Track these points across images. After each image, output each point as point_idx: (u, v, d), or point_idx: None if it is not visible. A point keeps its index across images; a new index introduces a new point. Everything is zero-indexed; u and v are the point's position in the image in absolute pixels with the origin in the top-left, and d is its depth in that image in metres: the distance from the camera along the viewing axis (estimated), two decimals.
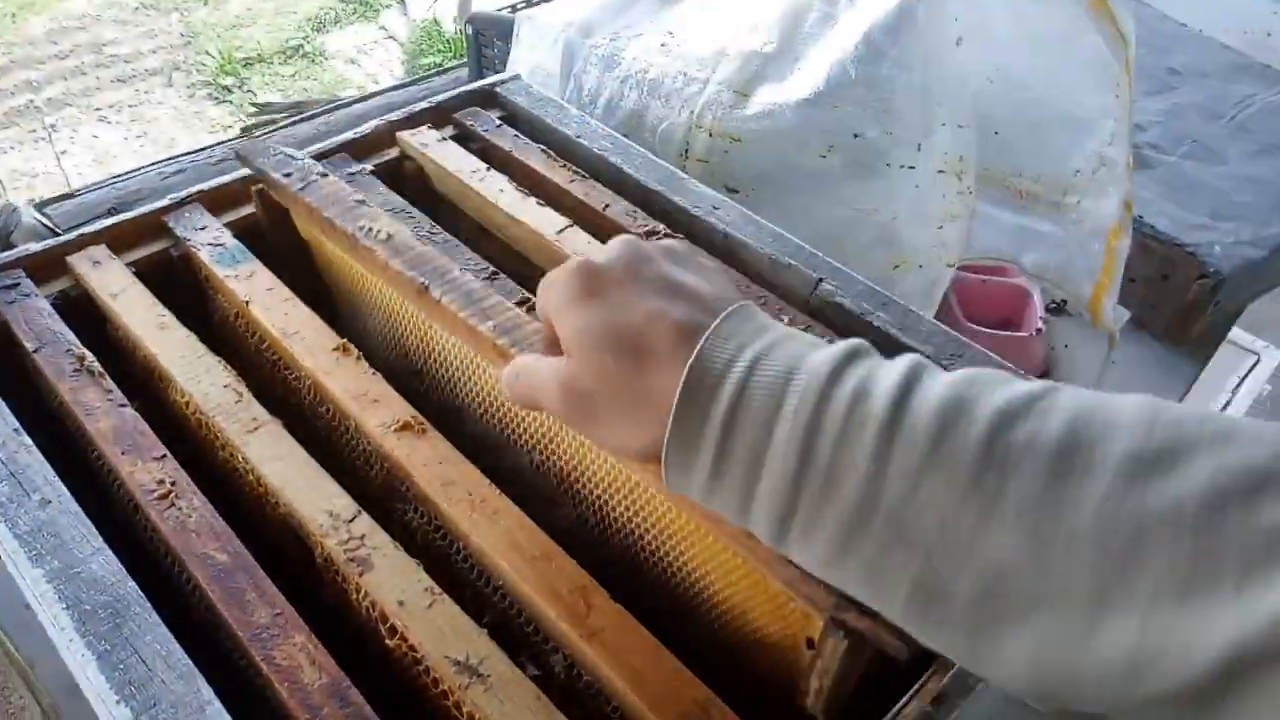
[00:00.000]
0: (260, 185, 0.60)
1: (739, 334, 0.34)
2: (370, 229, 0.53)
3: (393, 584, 0.42)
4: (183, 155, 0.80)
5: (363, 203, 0.56)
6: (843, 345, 0.33)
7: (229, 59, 3.38)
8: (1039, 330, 0.91)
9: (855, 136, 0.70)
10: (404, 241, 0.53)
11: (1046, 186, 0.81)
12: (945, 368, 0.54)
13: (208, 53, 3.44)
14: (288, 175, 0.58)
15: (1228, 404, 1.32)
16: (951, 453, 0.29)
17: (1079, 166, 0.78)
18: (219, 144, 0.83)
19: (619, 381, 0.35)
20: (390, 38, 3.54)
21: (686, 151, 0.74)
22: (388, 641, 0.41)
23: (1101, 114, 0.74)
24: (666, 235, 0.61)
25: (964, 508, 0.29)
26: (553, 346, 0.39)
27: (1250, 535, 0.26)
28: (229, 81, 3.32)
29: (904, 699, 0.41)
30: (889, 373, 0.32)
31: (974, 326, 0.90)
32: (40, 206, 0.72)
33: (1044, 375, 0.94)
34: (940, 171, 0.73)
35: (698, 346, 0.34)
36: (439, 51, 3.33)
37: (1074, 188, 0.78)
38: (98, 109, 3.25)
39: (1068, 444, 0.29)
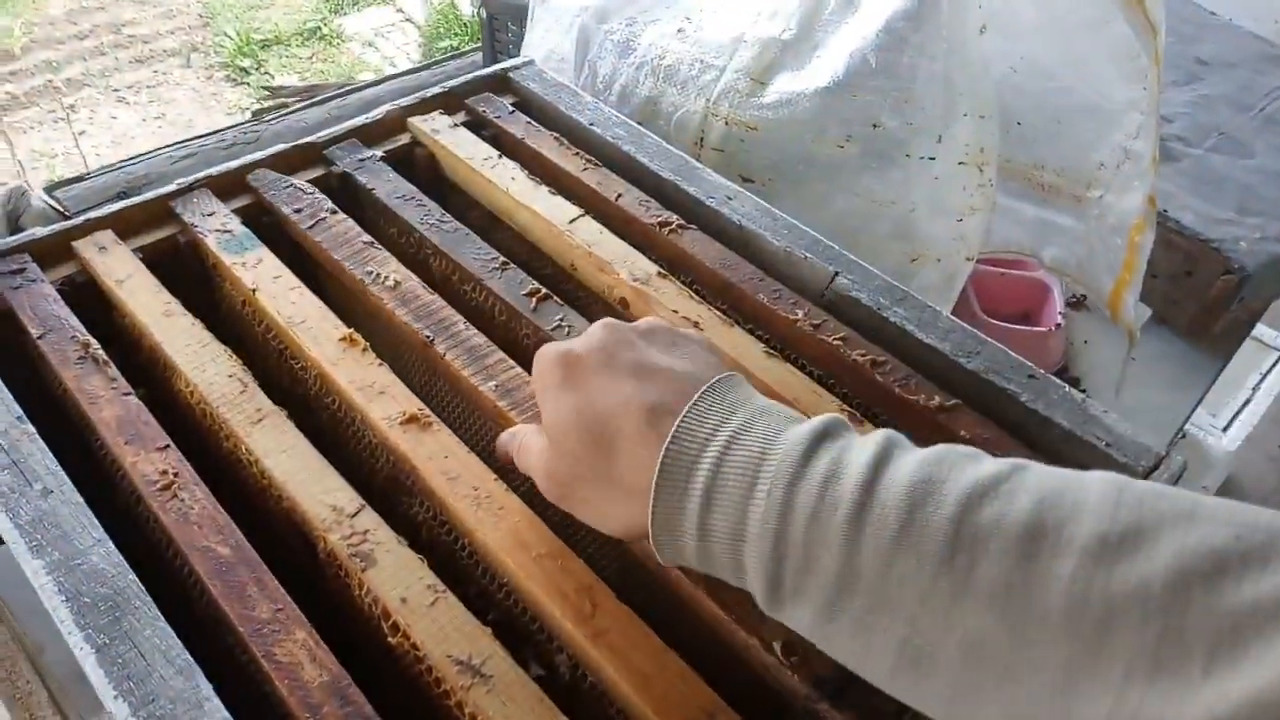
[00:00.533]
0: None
1: (713, 413, 0.36)
2: (378, 275, 0.54)
3: (396, 580, 0.42)
4: (193, 139, 0.79)
5: (371, 244, 0.56)
6: (816, 422, 0.34)
7: (246, 40, 3.38)
8: (1058, 325, 0.90)
9: (874, 126, 0.69)
10: (411, 290, 0.54)
11: (1069, 180, 0.79)
12: (962, 365, 0.53)
13: (226, 34, 3.44)
14: (298, 211, 0.58)
15: (1248, 401, 1.30)
16: (921, 534, 0.30)
17: (1103, 159, 0.76)
18: (230, 128, 0.83)
19: (593, 467, 0.37)
20: (407, 20, 3.53)
21: (702, 140, 0.73)
22: (390, 639, 0.41)
23: (1128, 106, 0.72)
24: (681, 226, 0.60)
25: (937, 586, 0.30)
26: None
27: (1215, 618, 0.26)
28: (246, 63, 3.32)
29: None
30: (860, 453, 0.33)
31: (991, 320, 0.89)
32: (50, 190, 0.71)
33: (1063, 371, 0.92)
34: (961, 163, 0.71)
35: (673, 428, 0.35)
36: (456, 35, 3.32)
37: (1097, 181, 0.77)
38: (116, 90, 3.26)
39: (1035, 525, 0.29)
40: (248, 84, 3.23)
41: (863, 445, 0.33)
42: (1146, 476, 0.48)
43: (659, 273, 0.57)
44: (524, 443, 0.42)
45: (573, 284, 0.59)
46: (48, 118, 3.08)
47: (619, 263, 0.57)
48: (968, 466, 0.32)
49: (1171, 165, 1.01)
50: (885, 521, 0.31)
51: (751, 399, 0.37)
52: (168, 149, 0.77)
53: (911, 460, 0.32)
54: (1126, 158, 0.74)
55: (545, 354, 0.40)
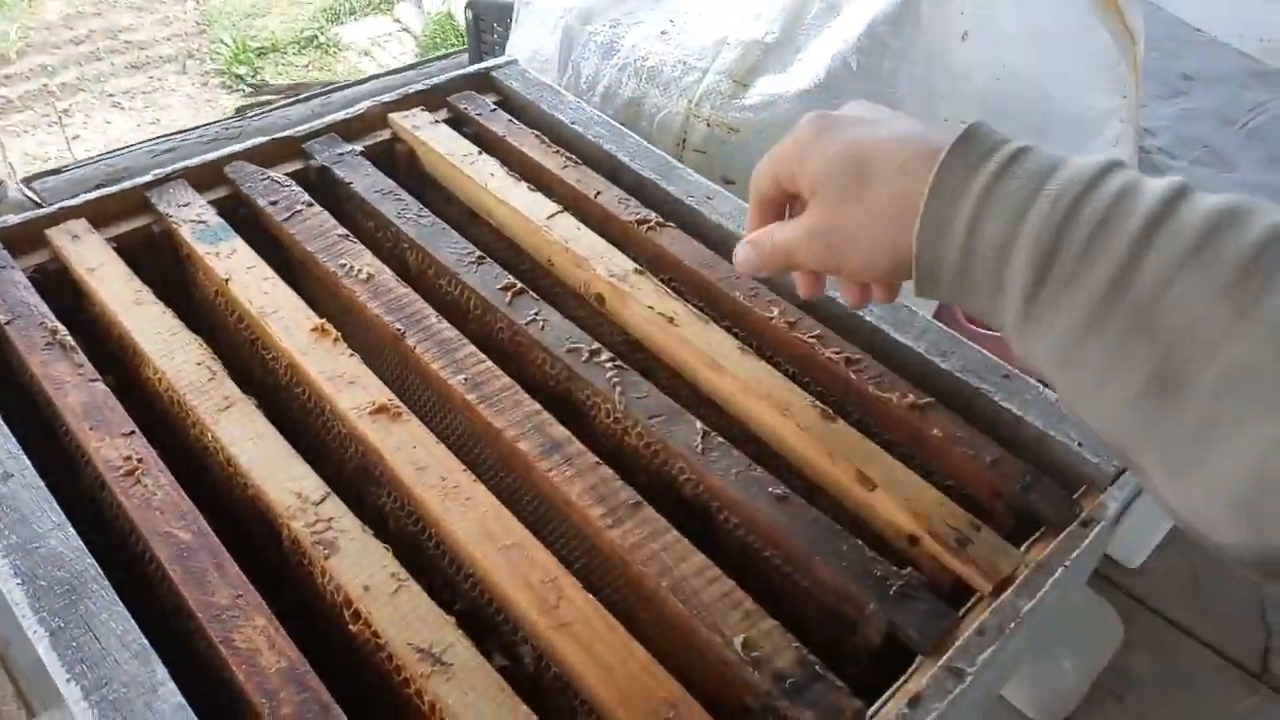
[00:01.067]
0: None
1: (994, 135, 0.35)
2: (351, 268, 0.54)
3: (359, 568, 0.41)
4: (175, 134, 0.79)
5: (346, 237, 0.56)
6: (1103, 156, 0.34)
7: (243, 48, 3.38)
8: None
9: None
10: (384, 283, 0.54)
11: None
12: (937, 364, 0.53)
13: (222, 41, 3.44)
14: (274, 203, 0.58)
15: None
16: (1217, 253, 0.29)
17: None
18: (213, 123, 0.83)
19: (860, 199, 0.38)
20: (404, 30, 3.54)
21: (684, 141, 0.73)
22: (351, 627, 0.40)
23: (1108, 113, 0.73)
24: (659, 223, 0.60)
25: (1216, 309, 0.29)
26: (759, 223, 0.44)
27: None
28: (242, 70, 3.32)
29: (882, 699, 0.40)
30: (1158, 182, 0.32)
31: (976, 329, 0.88)
32: (27, 181, 0.71)
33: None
34: None
35: (952, 142, 0.35)
36: (452, 45, 3.32)
37: None
38: (111, 95, 3.26)
39: None
40: (243, 91, 3.23)
41: (1159, 180, 0.32)
42: (1117, 479, 0.48)
43: (636, 269, 0.57)
44: (775, 230, 0.42)
45: (550, 279, 0.59)
46: (41, 122, 3.08)
47: (596, 259, 0.57)
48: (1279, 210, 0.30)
49: (1155, 177, 1.01)
50: (1180, 236, 0.30)
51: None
52: (149, 143, 0.77)
53: (1216, 196, 0.31)
54: None
55: (801, 121, 0.41)
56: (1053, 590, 0.43)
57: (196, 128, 0.81)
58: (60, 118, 3.04)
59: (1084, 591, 0.70)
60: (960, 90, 0.71)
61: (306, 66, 3.38)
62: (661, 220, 0.61)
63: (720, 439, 0.48)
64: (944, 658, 0.40)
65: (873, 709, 0.39)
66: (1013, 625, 0.42)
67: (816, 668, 0.40)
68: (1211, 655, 0.77)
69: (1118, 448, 0.32)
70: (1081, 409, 0.33)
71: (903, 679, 0.41)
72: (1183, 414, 0.29)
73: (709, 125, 0.71)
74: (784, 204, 0.44)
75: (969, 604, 0.43)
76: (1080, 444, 0.49)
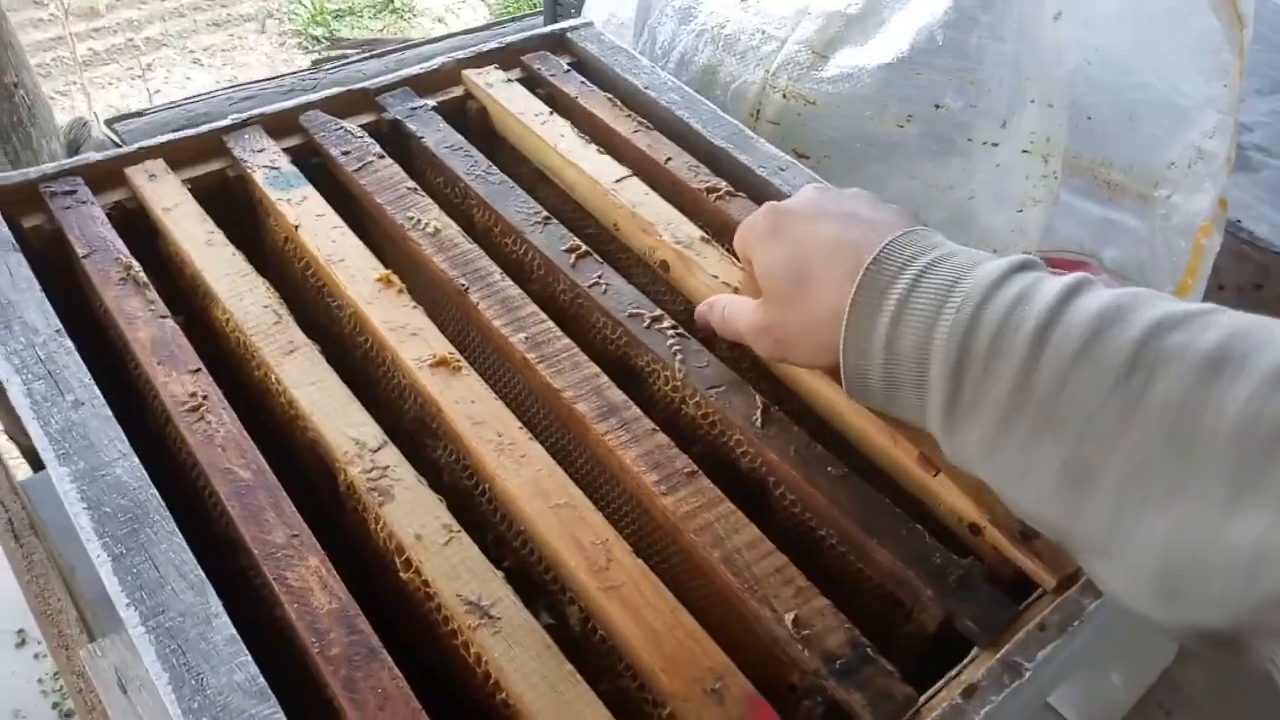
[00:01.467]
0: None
1: (911, 247, 0.37)
2: (419, 221, 0.54)
3: (412, 517, 0.41)
4: (252, 83, 0.80)
5: (415, 190, 0.56)
6: (1013, 257, 0.35)
7: (320, 10, 3.42)
8: None
9: (937, 107, 0.67)
10: (450, 238, 0.54)
11: (1136, 178, 0.76)
12: None
13: (301, 2, 3.49)
14: (346, 154, 0.58)
15: None
16: (1102, 353, 0.31)
17: (1174, 159, 0.73)
18: (290, 74, 0.83)
19: (799, 304, 0.40)
20: None
21: (758, 112, 0.72)
22: (402, 575, 0.40)
23: (1205, 103, 0.69)
24: (729, 193, 0.59)
25: (1108, 404, 0.30)
26: (751, 283, 0.44)
27: None
28: (319, 32, 3.37)
29: (935, 687, 0.39)
30: (1054, 283, 0.34)
31: None
32: (110, 122, 0.73)
33: None
34: (1025, 151, 0.69)
35: (872, 255, 0.37)
36: (525, 14, 3.32)
37: (1166, 180, 0.74)
38: (192, 51, 3.33)
39: (1220, 354, 0.29)
40: (318, 52, 3.27)
41: (1058, 279, 0.34)
42: None
43: (702, 238, 0.56)
44: (730, 307, 0.45)
45: (614, 244, 0.59)
46: (125, 75, 3.16)
47: (662, 225, 0.56)
48: (1163, 302, 0.32)
49: (1250, 175, 0.97)
50: (1068, 339, 0.31)
51: (948, 243, 0.38)
52: (227, 90, 0.78)
53: (1105, 293, 0.33)
54: (1199, 157, 0.71)
55: (755, 213, 0.44)
56: None
57: (273, 78, 0.81)
58: (143, 72, 3.11)
59: None
60: (1049, 73, 0.68)
61: (381, 30, 3.41)
62: (732, 190, 0.59)
63: (780, 413, 0.47)
64: (1002, 651, 0.39)
65: (924, 697, 0.38)
66: (1076, 624, 0.40)
67: (868, 650, 0.39)
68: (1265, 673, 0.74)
69: (1053, 534, 0.34)
70: (1012, 500, 0.35)
71: (957, 669, 0.40)
72: (1096, 502, 0.31)
73: (785, 97, 0.69)
74: None
75: (1030, 598, 0.42)
76: None
